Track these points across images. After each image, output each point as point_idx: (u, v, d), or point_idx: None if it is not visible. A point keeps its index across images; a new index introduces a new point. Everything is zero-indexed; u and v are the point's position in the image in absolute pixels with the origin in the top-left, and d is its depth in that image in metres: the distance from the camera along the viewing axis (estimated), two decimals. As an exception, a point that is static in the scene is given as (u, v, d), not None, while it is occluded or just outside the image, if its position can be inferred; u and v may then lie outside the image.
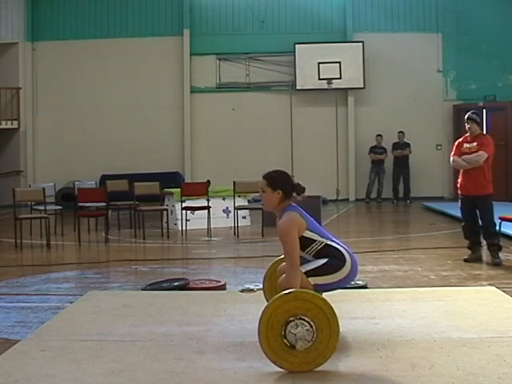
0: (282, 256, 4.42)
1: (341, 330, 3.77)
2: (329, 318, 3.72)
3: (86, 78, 16.93)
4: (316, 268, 4.14)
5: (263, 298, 4.70)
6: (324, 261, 4.16)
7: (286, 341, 3.72)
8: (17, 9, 16.80)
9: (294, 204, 4.28)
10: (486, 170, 7.32)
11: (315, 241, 4.20)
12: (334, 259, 4.17)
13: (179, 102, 16.90)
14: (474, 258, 7.48)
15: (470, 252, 7.57)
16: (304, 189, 4.32)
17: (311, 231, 4.20)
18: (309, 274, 4.12)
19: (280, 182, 4.27)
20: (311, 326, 3.71)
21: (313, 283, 4.10)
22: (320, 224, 4.51)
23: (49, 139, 17.03)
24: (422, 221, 12.15)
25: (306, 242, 4.18)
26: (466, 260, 7.47)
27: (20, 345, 4.28)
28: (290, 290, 3.82)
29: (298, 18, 16.90)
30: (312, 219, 4.29)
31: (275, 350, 3.73)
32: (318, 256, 4.19)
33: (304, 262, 4.19)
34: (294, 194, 4.30)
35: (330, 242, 4.23)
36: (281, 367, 3.72)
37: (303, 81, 16.30)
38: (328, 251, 4.19)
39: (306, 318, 3.72)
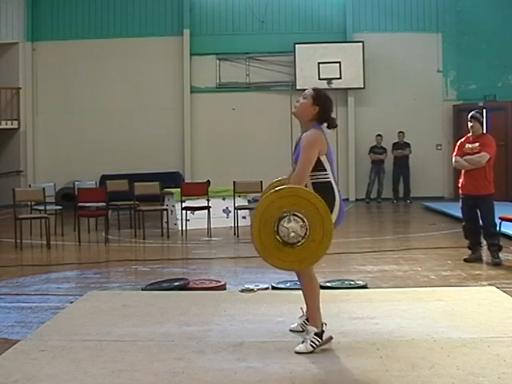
0: (280, 178, 4.35)
1: (340, 330, 3.77)
2: (322, 216, 3.69)
3: (86, 78, 16.92)
4: None
5: (263, 297, 4.70)
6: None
7: (278, 237, 3.71)
8: (17, 9, 16.80)
9: (322, 127, 4.18)
10: (488, 170, 7.30)
11: (325, 171, 4.07)
12: (326, 201, 3.98)
13: (179, 102, 16.90)
14: (474, 258, 7.48)
15: (470, 252, 7.58)
16: (336, 125, 4.24)
17: (328, 160, 4.11)
18: None
19: (323, 103, 4.18)
20: (304, 223, 3.69)
21: None
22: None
23: (49, 139, 17.02)
24: (421, 221, 12.14)
25: (317, 166, 4.06)
26: (466, 260, 7.47)
27: (20, 345, 4.28)
28: (284, 186, 3.80)
29: (298, 18, 16.90)
30: (331, 150, 4.19)
31: (267, 247, 3.72)
32: (316, 186, 4.04)
33: None
34: (326, 125, 4.20)
35: (333, 183, 4.11)
36: (272, 265, 3.72)
37: (303, 81, 16.28)
38: (326, 189, 4.05)
39: (300, 215, 3.70)
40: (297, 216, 3.70)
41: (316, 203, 3.70)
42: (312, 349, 4.00)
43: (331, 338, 4.08)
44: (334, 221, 3.99)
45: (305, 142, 4.06)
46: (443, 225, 11.13)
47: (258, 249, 3.73)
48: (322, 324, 4.10)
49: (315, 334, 4.04)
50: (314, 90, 4.25)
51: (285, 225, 3.70)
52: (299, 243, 3.75)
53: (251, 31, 16.95)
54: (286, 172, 4.46)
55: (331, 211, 3.99)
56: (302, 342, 4.07)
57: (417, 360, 3.83)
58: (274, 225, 3.70)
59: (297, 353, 3.99)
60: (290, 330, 4.43)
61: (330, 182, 4.09)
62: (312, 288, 4.13)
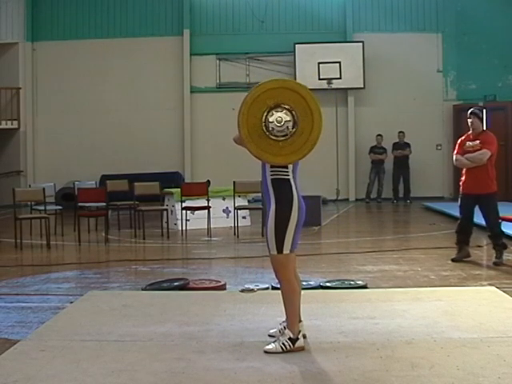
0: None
1: (340, 330, 3.77)
2: (314, 126, 3.81)
3: (86, 78, 16.92)
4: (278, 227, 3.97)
5: (263, 297, 4.69)
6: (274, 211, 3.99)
7: (264, 124, 3.83)
8: (17, 9, 16.80)
9: None
10: (490, 168, 7.20)
11: (286, 168, 4.03)
12: (282, 199, 4.00)
13: (179, 102, 16.91)
14: (461, 257, 7.38)
15: (456, 251, 7.47)
16: None
17: None
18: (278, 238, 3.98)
19: None
20: (295, 124, 3.82)
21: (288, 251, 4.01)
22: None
23: (49, 139, 17.02)
24: (422, 221, 12.13)
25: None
26: (453, 260, 7.36)
27: (20, 345, 4.27)
28: (296, 82, 3.96)
29: (298, 17, 16.90)
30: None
31: (250, 130, 3.83)
32: (273, 183, 4.03)
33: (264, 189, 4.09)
34: None
35: (292, 182, 4.04)
36: (248, 148, 3.87)
37: (303, 81, 15.96)
38: (284, 186, 4.01)
39: (295, 116, 3.82)
40: (291, 114, 3.82)
41: (316, 117, 3.82)
42: (281, 350, 3.96)
43: (303, 348, 4.01)
44: (294, 221, 3.98)
45: None
46: (443, 225, 11.12)
47: (239, 127, 3.82)
48: (299, 332, 4.04)
49: (289, 339, 3.99)
50: None
51: (276, 113, 3.81)
52: (284, 137, 3.84)
53: (251, 31, 16.95)
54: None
55: (289, 210, 3.98)
56: (274, 341, 4.04)
57: (417, 360, 3.83)
58: (265, 110, 3.81)
59: (266, 352, 3.96)
60: (269, 335, 4.29)
61: (288, 179, 4.03)
62: (289, 292, 4.05)
